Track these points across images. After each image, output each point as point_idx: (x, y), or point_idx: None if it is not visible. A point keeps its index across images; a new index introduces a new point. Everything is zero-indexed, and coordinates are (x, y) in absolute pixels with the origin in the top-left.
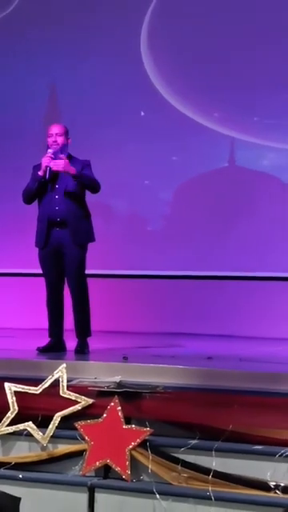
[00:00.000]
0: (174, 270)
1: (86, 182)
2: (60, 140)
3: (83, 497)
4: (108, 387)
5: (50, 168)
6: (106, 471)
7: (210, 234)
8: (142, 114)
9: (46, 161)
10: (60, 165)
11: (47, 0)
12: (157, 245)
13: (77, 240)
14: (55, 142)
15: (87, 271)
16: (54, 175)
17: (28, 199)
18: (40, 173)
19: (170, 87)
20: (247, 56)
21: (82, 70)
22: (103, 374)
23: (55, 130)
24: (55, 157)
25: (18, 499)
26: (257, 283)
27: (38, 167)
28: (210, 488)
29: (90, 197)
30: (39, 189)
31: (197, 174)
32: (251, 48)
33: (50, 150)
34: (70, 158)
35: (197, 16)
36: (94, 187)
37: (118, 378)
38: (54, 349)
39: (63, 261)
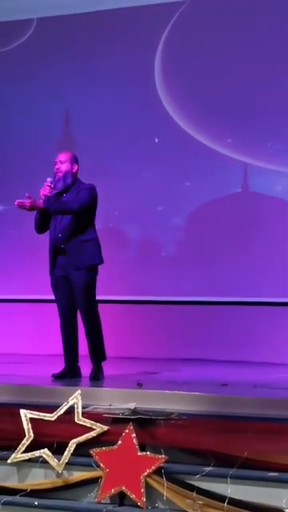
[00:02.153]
0: (188, 295)
1: (57, 210)
2: (63, 167)
3: None
4: (122, 414)
5: (48, 197)
6: (121, 498)
7: (224, 259)
8: (156, 140)
9: (43, 190)
10: (26, 206)
11: (61, 28)
12: (170, 270)
13: (78, 264)
14: (58, 169)
15: (100, 297)
16: None
17: (36, 228)
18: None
19: (183, 113)
20: (260, 81)
21: (95, 96)
22: (118, 400)
23: (59, 157)
24: (55, 185)
25: None
26: (271, 309)
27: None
28: None
29: (103, 223)
30: (43, 218)
31: (210, 200)
32: (264, 73)
33: (48, 179)
34: (74, 183)
35: (210, 42)
36: (67, 212)
37: (132, 405)
38: (69, 375)
39: (71, 286)
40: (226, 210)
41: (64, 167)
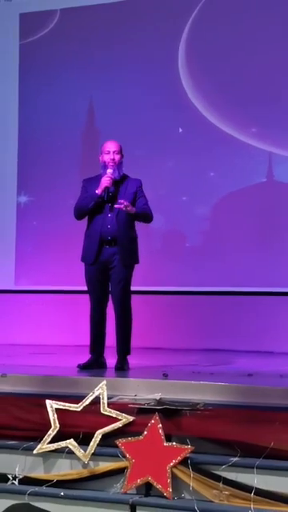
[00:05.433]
0: (213, 286)
1: (141, 217)
2: (117, 158)
3: None
4: (148, 404)
5: (109, 188)
6: (147, 489)
7: (249, 249)
8: (180, 130)
9: (106, 181)
10: (132, 209)
11: (83, 18)
12: (195, 261)
13: (126, 260)
14: (113, 159)
15: None
16: (112, 195)
17: (81, 215)
18: (98, 191)
19: (207, 103)
20: (284, 70)
21: (119, 86)
22: (143, 391)
23: (112, 147)
24: (114, 176)
25: None
26: None
27: (89, 182)
28: (251, 506)
29: None
30: (95, 207)
31: (234, 190)
32: None
33: (109, 171)
34: (125, 177)
35: (234, 32)
36: (146, 219)
37: (158, 395)
38: (95, 366)
39: (110, 279)
40: (250, 200)
41: (117, 158)
